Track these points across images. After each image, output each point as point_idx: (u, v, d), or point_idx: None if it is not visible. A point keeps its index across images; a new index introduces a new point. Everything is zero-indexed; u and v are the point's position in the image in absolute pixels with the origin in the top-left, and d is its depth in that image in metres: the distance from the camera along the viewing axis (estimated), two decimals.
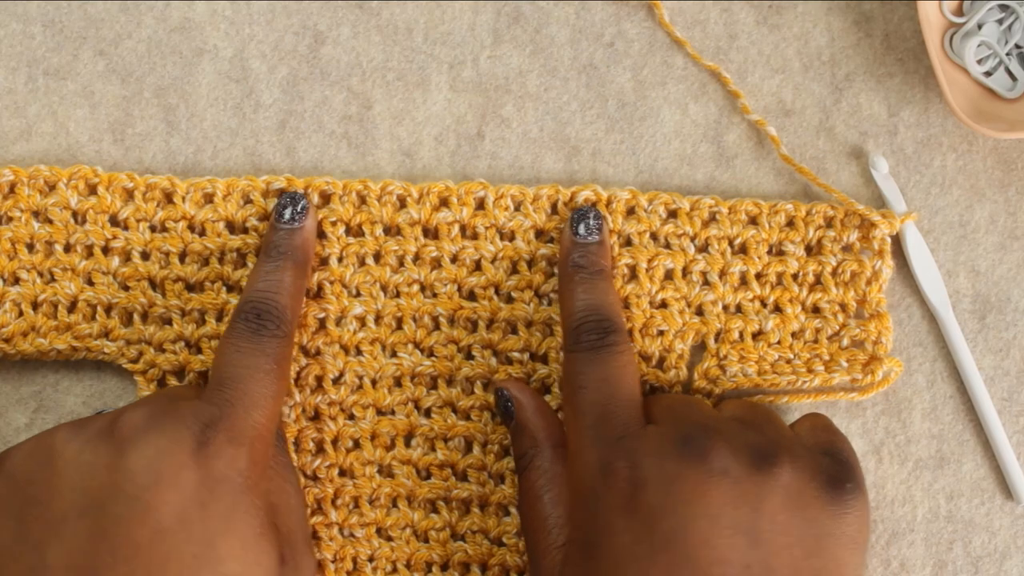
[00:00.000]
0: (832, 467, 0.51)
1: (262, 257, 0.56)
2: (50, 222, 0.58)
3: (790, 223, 0.59)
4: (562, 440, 0.55)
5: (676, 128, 0.61)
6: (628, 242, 0.59)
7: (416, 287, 0.59)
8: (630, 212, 0.59)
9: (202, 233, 0.59)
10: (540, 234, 0.59)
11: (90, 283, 0.58)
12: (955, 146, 0.61)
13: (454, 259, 0.59)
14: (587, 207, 0.58)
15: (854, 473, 0.51)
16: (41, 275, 0.58)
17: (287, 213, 0.57)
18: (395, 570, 0.57)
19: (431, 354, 0.58)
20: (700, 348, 0.59)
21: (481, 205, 0.59)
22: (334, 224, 0.59)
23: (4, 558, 0.48)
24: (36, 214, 0.59)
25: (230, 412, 0.51)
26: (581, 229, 0.57)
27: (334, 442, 0.58)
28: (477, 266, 0.59)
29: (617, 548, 0.49)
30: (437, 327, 0.58)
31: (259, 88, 0.61)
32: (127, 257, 0.58)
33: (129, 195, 0.59)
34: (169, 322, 0.58)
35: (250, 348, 0.53)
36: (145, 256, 0.58)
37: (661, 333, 0.59)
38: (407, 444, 0.58)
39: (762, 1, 0.62)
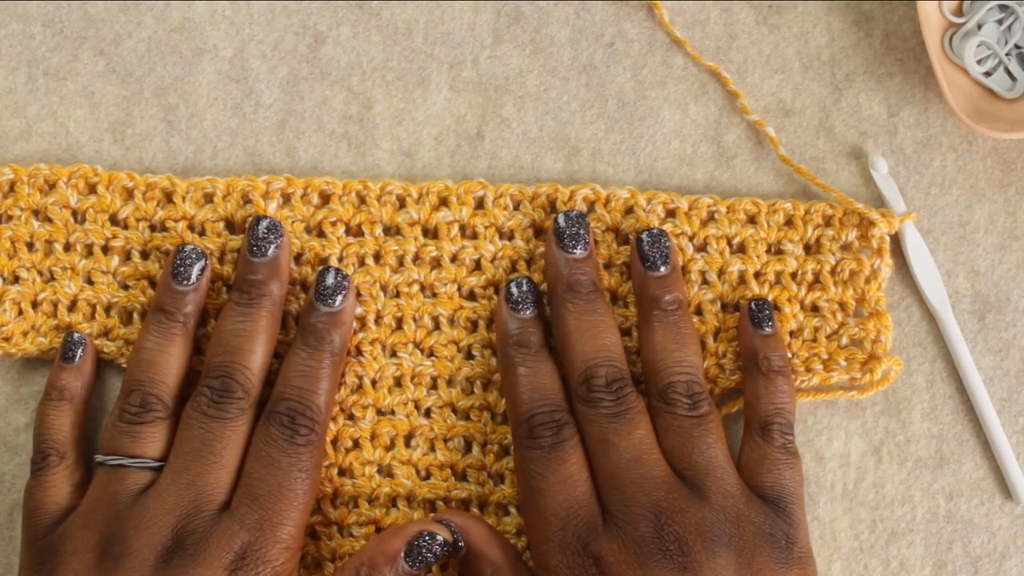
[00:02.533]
0: (772, 523, 0.52)
1: (298, 342, 0.55)
2: (50, 221, 0.58)
3: (789, 222, 0.59)
4: (517, 555, 0.54)
5: (676, 128, 0.61)
6: (626, 241, 0.59)
7: (416, 287, 0.59)
8: (629, 211, 0.59)
9: (202, 233, 0.59)
10: (539, 233, 0.59)
11: (90, 282, 0.58)
12: (955, 146, 0.61)
13: (454, 259, 0.59)
14: (521, 288, 0.57)
15: (794, 525, 0.52)
16: (41, 274, 0.58)
17: (327, 291, 0.56)
18: None
19: (431, 354, 0.58)
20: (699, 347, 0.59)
21: (480, 205, 0.59)
22: (334, 224, 0.59)
23: None
24: (36, 213, 0.59)
25: (261, 537, 0.51)
26: (515, 304, 0.56)
27: (334, 442, 0.58)
28: (477, 266, 0.59)
29: None
30: (437, 327, 0.59)
31: (259, 88, 0.61)
32: (127, 256, 0.58)
33: (129, 194, 0.59)
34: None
35: (285, 461, 0.52)
36: (145, 256, 0.59)
37: None
38: (407, 444, 0.58)
39: (762, 1, 0.62)
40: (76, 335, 0.57)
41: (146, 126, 0.61)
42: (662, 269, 0.56)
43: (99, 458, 0.54)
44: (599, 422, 0.53)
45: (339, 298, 0.56)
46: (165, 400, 0.54)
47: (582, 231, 0.56)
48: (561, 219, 0.56)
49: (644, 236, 0.56)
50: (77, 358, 0.56)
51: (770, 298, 0.58)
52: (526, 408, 0.54)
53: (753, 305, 0.56)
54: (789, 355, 0.58)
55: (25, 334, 0.58)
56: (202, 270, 0.56)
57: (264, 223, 0.56)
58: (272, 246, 0.56)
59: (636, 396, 0.54)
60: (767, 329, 0.56)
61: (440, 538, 0.53)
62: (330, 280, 0.56)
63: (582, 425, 0.53)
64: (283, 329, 0.57)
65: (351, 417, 0.58)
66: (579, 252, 0.56)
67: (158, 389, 0.54)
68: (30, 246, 0.58)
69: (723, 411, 0.58)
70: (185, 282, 0.55)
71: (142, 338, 0.55)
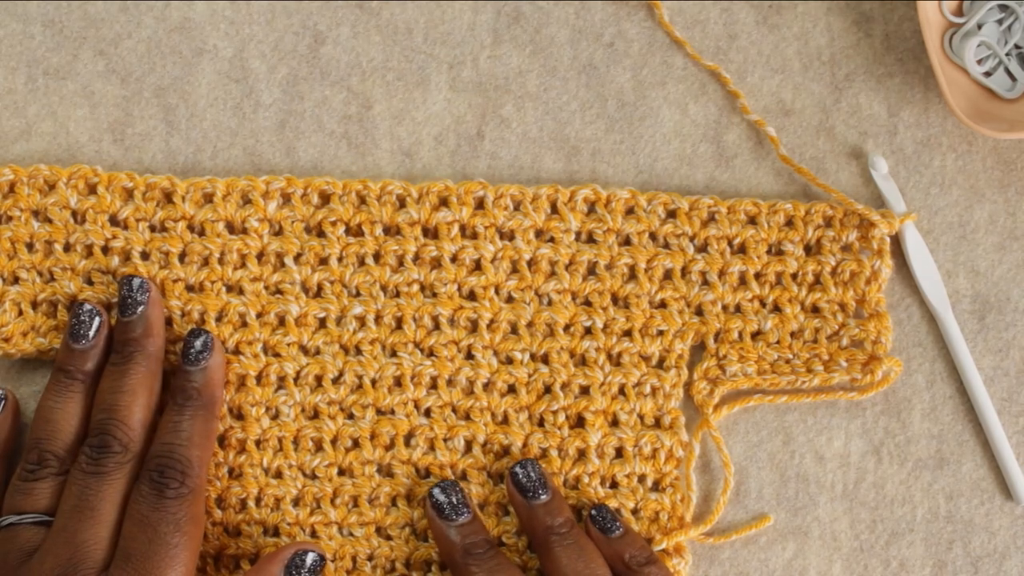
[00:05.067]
0: None
1: (169, 403, 0.56)
2: (50, 221, 0.58)
3: (789, 223, 0.59)
4: None
5: (676, 128, 0.61)
6: (627, 242, 0.59)
7: (416, 287, 0.59)
8: (629, 212, 0.59)
9: (202, 233, 0.59)
10: (540, 234, 0.59)
11: (90, 283, 0.58)
12: (955, 146, 0.61)
13: (454, 259, 0.59)
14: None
15: None
16: (41, 274, 0.58)
17: (192, 352, 0.56)
18: (394, 569, 0.57)
19: (431, 354, 0.58)
20: (700, 348, 0.59)
21: (481, 205, 0.59)
22: (334, 224, 0.59)
23: None
24: (36, 213, 0.59)
25: None
26: (448, 514, 0.56)
27: (333, 441, 0.58)
28: (477, 266, 0.59)
29: None
30: (437, 327, 0.58)
31: (259, 88, 0.61)
32: (127, 257, 0.58)
33: (129, 195, 0.59)
34: (169, 322, 0.58)
35: (155, 516, 0.52)
36: (145, 256, 0.58)
37: (661, 333, 0.59)
38: (407, 444, 0.58)
39: (762, 1, 0.62)
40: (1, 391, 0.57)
41: (146, 126, 0.61)
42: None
43: None
44: None
45: (204, 358, 0.56)
46: (59, 455, 0.54)
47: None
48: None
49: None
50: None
51: (770, 299, 0.58)
52: None
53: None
54: (790, 356, 0.58)
55: (25, 334, 0.58)
56: (99, 328, 0.56)
57: (134, 282, 0.56)
58: (141, 305, 0.56)
59: None
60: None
61: (311, 556, 0.54)
62: (197, 344, 0.56)
63: None
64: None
65: (351, 416, 0.58)
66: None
67: (52, 445, 0.54)
68: (30, 247, 0.58)
69: (722, 412, 0.58)
70: (83, 341, 0.56)
71: (44, 397, 0.55)
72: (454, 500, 0.56)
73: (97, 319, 0.56)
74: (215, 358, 0.56)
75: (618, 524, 0.56)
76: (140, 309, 0.56)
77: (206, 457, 0.55)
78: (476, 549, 0.54)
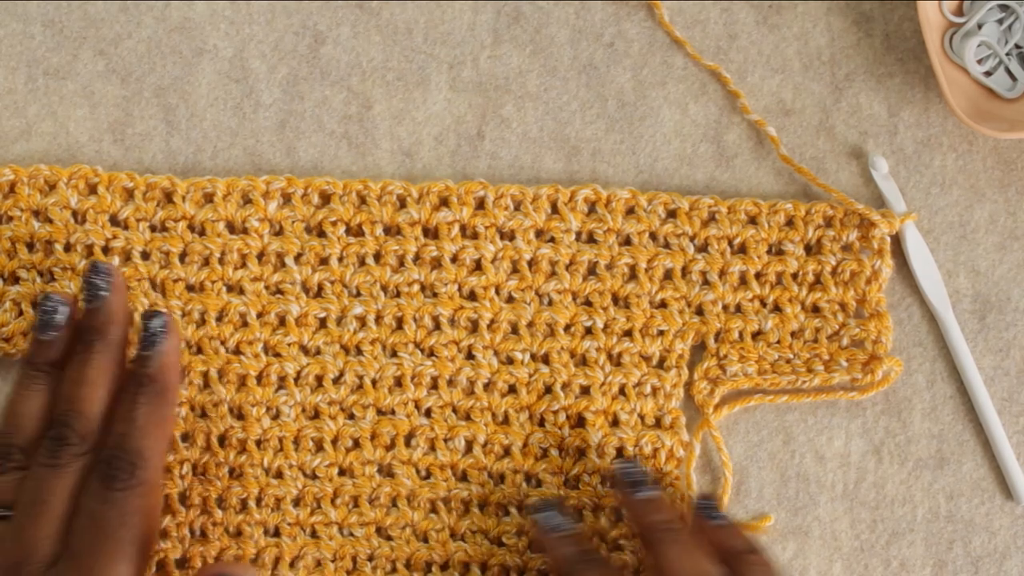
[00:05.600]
0: None
1: (123, 390, 0.54)
2: (50, 221, 0.58)
3: (789, 222, 0.59)
4: None
5: (676, 128, 0.61)
6: (627, 242, 0.59)
7: (416, 287, 0.59)
8: (629, 212, 0.59)
9: (202, 233, 0.59)
10: (540, 234, 0.59)
11: None
12: (955, 146, 0.61)
13: (454, 259, 0.59)
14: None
15: None
16: (41, 274, 0.58)
17: (146, 334, 0.54)
18: (395, 569, 0.57)
19: (431, 354, 0.58)
20: (700, 348, 0.59)
21: (481, 205, 0.59)
22: (334, 224, 0.59)
23: None
24: (36, 213, 0.59)
25: None
26: (554, 529, 0.56)
27: (334, 441, 0.58)
28: (477, 266, 0.59)
29: None
30: (437, 327, 0.58)
31: (259, 88, 0.61)
32: (127, 257, 0.58)
33: (129, 195, 0.59)
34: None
35: (101, 510, 0.50)
36: (145, 256, 0.58)
37: (661, 333, 0.59)
38: (407, 444, 0.58)
39: (762, 1, 0.62)
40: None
41: (146, 126, 0.61)
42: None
43: None
44: None
45: (157, 342, 0.54)
46: (23, 447, 0.52)
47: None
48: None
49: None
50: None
51: (770, 299, 0.58)
52: None
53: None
54: (791, 356, 0.58)
55: (25, 334, 0.58)
56: (65, 319, 0.55)
57: (98, 267, 0.55)
58: (103, 292, 0.55)
59: None
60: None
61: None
62: (152, 325, 0.54)
63: None
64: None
65: (351, 416, 0.58)
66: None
67: (15, 439, 0.53)
68: (30, 246, 0.58)
69: (722, 412, 0.58)
70: (48, 332, 0.54)
71: (12, 391, 0.55)
72: (559, 513, 0.56)
73: (62, 309, 0.54)
74: (170, 341, 0.54)
75: (721, 513, 0.56)
76: (102, 296, 0.55)
77: (160, 447, 0.53)
78: (587, 557, 0.54)
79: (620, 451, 0.58)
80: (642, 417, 0.58)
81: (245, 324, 0.58)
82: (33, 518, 0.50)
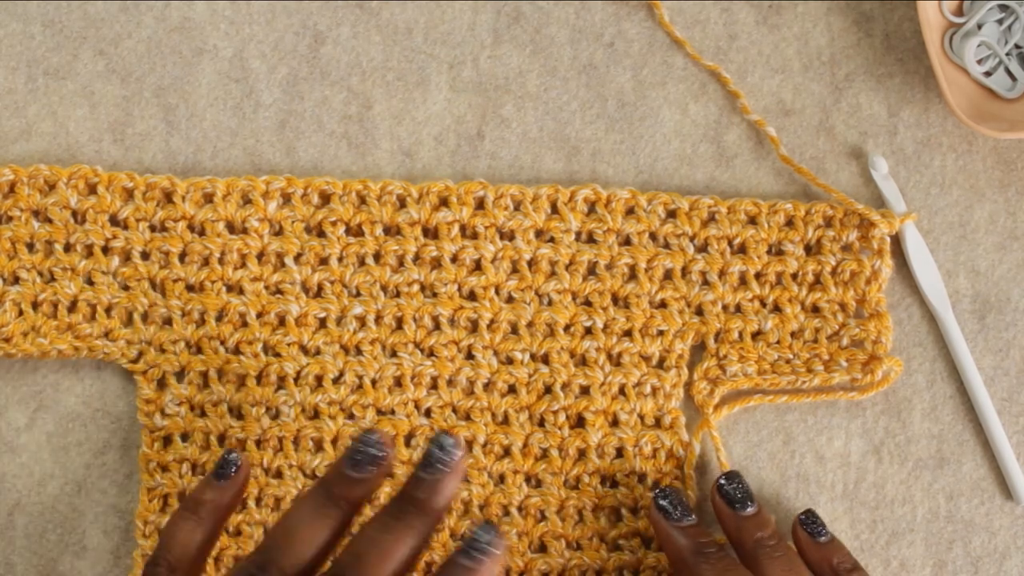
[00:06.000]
0: None
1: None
2: (50, 222, 0.58)
3: (789, 223, 0.59)
4: None
5: (676, 128, 0.61)
6: (627, 242, 0.59)
7: (416, 287, 0.59)
8: (629, 212, 0.59)
9: (202, 233, 0.59)
10: (540, 234, 0.59)
11: (90, 283, 0.58)
12: (955, 146, 0.61)
13: (454, 259, 0.59)
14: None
15: None
16: (41, 275, 0.58)
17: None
18: None
19: (431, 354, 0.58)
20: (700, 348, 0.59)
21: (481, 205, 0.59)
22: (334, 224, 0.59)
23: None
24: (36, 213, 0.59)
25: None
26: (677, 517, 0.56)
27: (334, 441, 0.58)
28: (477, 266, 0.59)
29: None
30: (437, 327, 0.58)
31: (259, 88, 0.61)
32: (127, 257, 0.58)
33: (129, 195, 0.59)
34: (169, 322, 0.58)
35: None
36: (145, 256, 0.58)
37: (661, 333, 0.59)
38: (407, 444, 0.58)
39: (762, 1, 0.62)
40: (234, 455, 0.53)
41: (146, 126, 0.61)
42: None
43: None
44: None
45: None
46: (287, 571, 0.48)
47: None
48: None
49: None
50: (228, 477, 0.53)
51: (770, 299, 0.58)
52: None
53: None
54: (790, 356, 0.58)
55: (25, 335, 0.58)
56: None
57: (446, 442, 0.49)
58: (445, 468, 0.49)
59: None
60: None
61: None
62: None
63: None
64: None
65: (351, 417, 0.58)
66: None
67: (284, 561, 0.48)
68: (30, 247, 0.58)
69: (722, 412, 0.58)
70: (368, 468, 0.50)
71: (296, 506, 0.50)
72: (679, 504, 0.56)
73: (386, 450, 0.50)
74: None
75: (826, 530, 0.56)
76: (443, 471, 0.49)
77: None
78: (706, 549, 0.54)
79: (620, 451, 0.58)
80: (642, 417, 0.58)
81: (245, 324, 0.58)
82: None
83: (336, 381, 0.58)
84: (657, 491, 0.56)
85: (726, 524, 0.56)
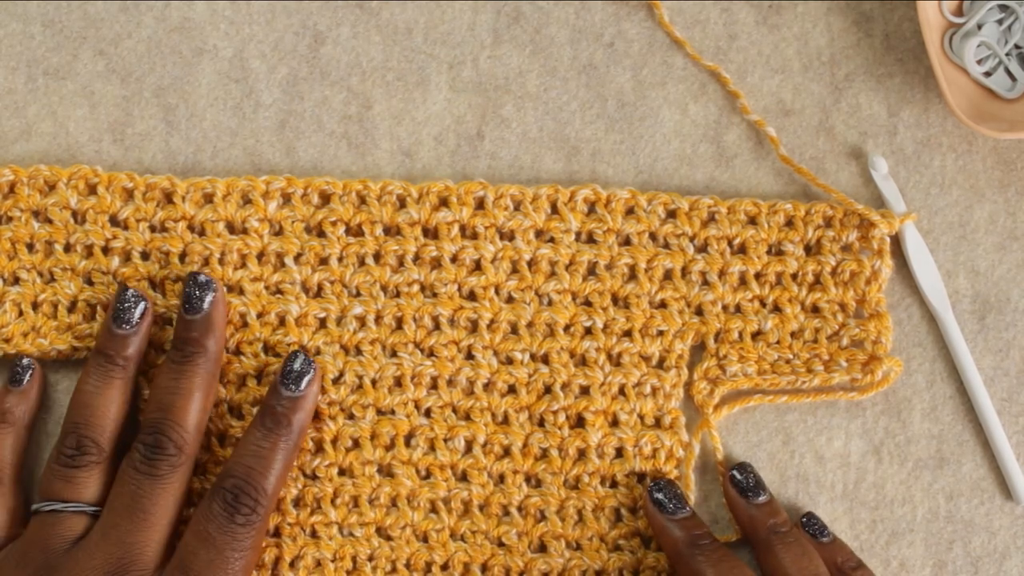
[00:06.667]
0: None
1: (256, 422, 0.55)
2: (50, 222, 0.58)
3: (789, 223, 0.59)
4: None
5: (676, 128, 0.61)
6: (627, 242, 0.59)
7: (416, 287, 0.59)
8: (629, 212, 0.59)
9: (202, 233, 0.59)
10: (540, 234, 0.59)
11: (90, 283, 0.58)
12: (955, 146, 0.61)
13: (454, 259, 0.59)
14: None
15: None
16: (41, 275, 0.58)
17: (292, 375, 0.55)
18: (395, 570, 0.57)
19: (431, 354, 0.58)
20: (700, 348, 0.59)
21: (481, 205, 0.59)
22: (334, 224, 0.59)
23: None
24: (36, 214, 0.59)
25: None
26: (670, 510, 0.56)
27: (334, 441, 0.58)
28: (477, 266, 0.59)
29: None
30: (437, 327, 0.58)
31: (259, 88, 0.61)
32: (127, 257, 0.58)
33: (129, 195, 0.59)
34: (169, 322, 0.58)
35: (221, 540, 0.52)
36: (145, 256, 0.58)
37: (661, 333, 0.59)
38: (407, 444, 0.58)
39: (762, 1, 0.62)
40: (25, 360, 0.57)
41: (146, 126, 0.61)
42: (762, 497, 0.56)
43: (35, 506, 0.54)
44: None
45: (303, 383, 0.55)
46: (101, 443, 0.54)
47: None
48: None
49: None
50: (24, 382, 0.57)
51: (770, 299, 0.58)
52: None
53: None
54: (790, 356, 0.58)
55: (25, 335, 0.58)
56: (143, 313, 0.56)
57: (199, 279, 0.56)
58: (205, 302, 0.55)
59: None
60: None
61: None
62: (296, 365, 0.55)
63: None
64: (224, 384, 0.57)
65: (351, 417, 0.58)
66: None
67: (93, 432, 0.54)
68: (30, 247, 0.58)
69: (722, 412, 0.58)
70: (125, 326, 0.55)
71: (82, 381, 0.55)
72: (673, 496, 0.56)
73: (141, 304, 0.55)
74: (314, 387, 0.56)
75: (828, 531, 0.57)
76: (205, 308, 0.55)
77: (279, 488, 0.54)
78: (701, 540, 0.55)
79: (620, 451, 0.58)
80: (642, 417, 0.58)
81: (245, 324, 0.58)
82: (136, 524, 0.52)
83: (336, 381, 0.58)
84: (652, 484, 0.57)
85: (739, 514, 0.57)
